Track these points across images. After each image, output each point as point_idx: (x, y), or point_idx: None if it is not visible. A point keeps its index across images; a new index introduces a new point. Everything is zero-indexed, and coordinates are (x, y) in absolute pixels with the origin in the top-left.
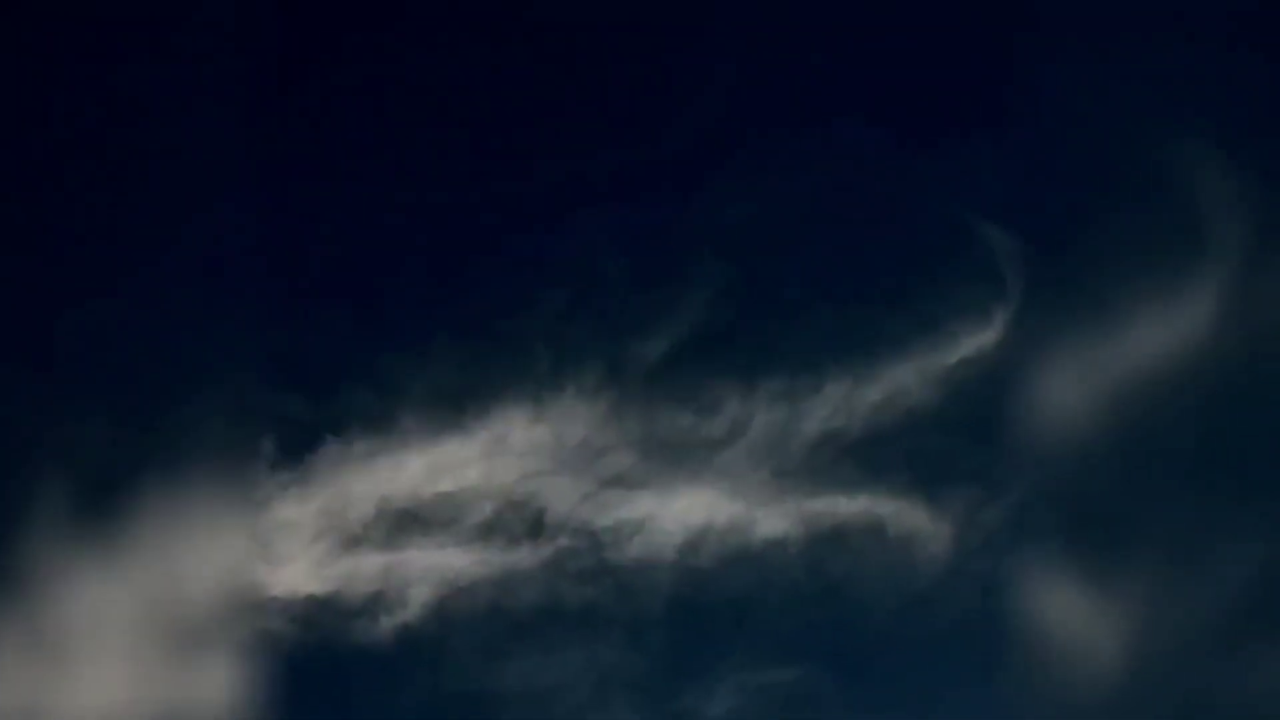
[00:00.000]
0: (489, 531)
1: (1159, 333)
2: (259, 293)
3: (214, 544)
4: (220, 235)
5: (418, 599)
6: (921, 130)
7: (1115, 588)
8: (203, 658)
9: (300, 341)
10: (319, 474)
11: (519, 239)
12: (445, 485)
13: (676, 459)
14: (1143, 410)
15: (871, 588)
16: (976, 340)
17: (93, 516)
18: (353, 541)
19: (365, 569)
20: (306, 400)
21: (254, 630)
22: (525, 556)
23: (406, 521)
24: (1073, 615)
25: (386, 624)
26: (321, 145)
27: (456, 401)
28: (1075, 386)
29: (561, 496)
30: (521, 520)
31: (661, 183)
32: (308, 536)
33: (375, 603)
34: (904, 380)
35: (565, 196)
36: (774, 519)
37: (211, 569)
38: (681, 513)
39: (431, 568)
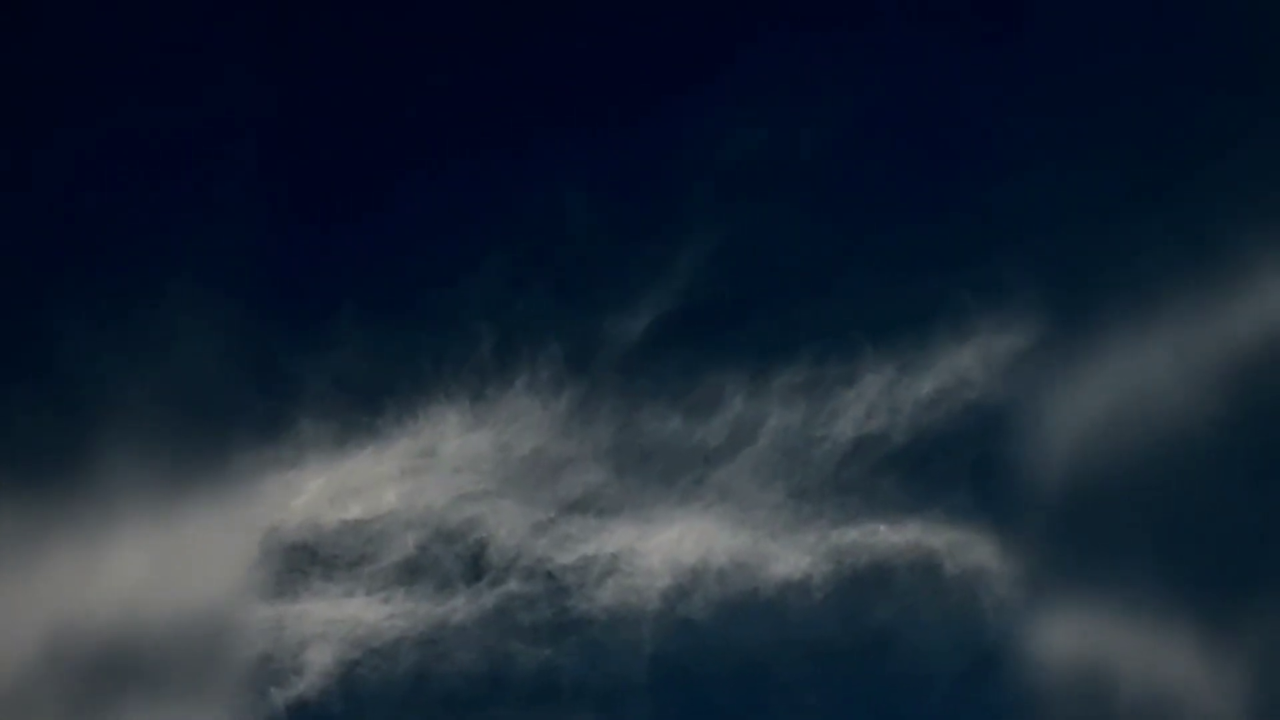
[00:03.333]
0: (412, 573)
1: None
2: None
3: (36, 586)
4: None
5: (317, 664)
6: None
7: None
8: None
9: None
10: (184, 497)
11: (451, 176)
12: (353, 511)
13: (662, 475)
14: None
15: (925, 645)
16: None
17: None
18: (231, 588)
19: (247, 624)
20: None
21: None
22: (461, 606)
23: (301, 560)
24: (1188, 681)
25: (276, 699)
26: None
27: (368, 399)
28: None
29: (509, 526)
30: (456, 558)
31: (642, 102)
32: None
33: (260, 670)
34: (963, 366)
35: (515, 119)
36: (792, 554)
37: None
38: (669, 547)
39: (335, 622)
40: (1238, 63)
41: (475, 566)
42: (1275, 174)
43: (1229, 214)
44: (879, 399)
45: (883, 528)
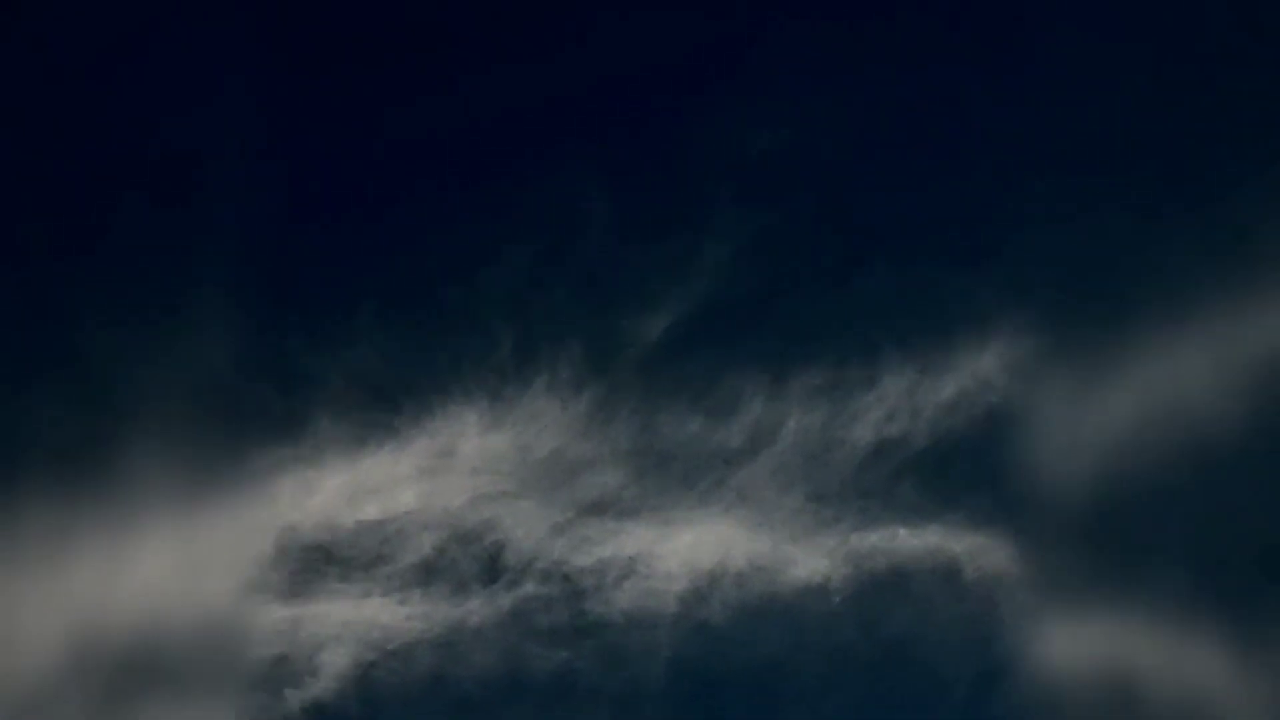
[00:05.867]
0: (429, 574)
1: None
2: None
3: (60, 587)
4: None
5: (333, 666)
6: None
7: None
8: None
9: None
10: (201, 496)
11: (471, 174)
12: (370, 512)
13: (681, 477)
14: None
15: (943, 651)
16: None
17: None
18: (246, 588)
19: (263, 625)
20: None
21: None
22: (478, 608)
23: (318, 561)
24: (1212, 688)
25: (291, 700)
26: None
27: (387, 398)
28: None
29: (526, 528)
30: (473, 559)
31: (663, 101)
32: None
33: (276, 671)
34: (985, 369)
35: (536, 117)
36: (811, 558)
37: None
38: (687, 550)
39: (351, 623)
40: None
41: (492, 568)
42: None
43: (1262, 215)
44: (900, 402)
45: (902, 532)
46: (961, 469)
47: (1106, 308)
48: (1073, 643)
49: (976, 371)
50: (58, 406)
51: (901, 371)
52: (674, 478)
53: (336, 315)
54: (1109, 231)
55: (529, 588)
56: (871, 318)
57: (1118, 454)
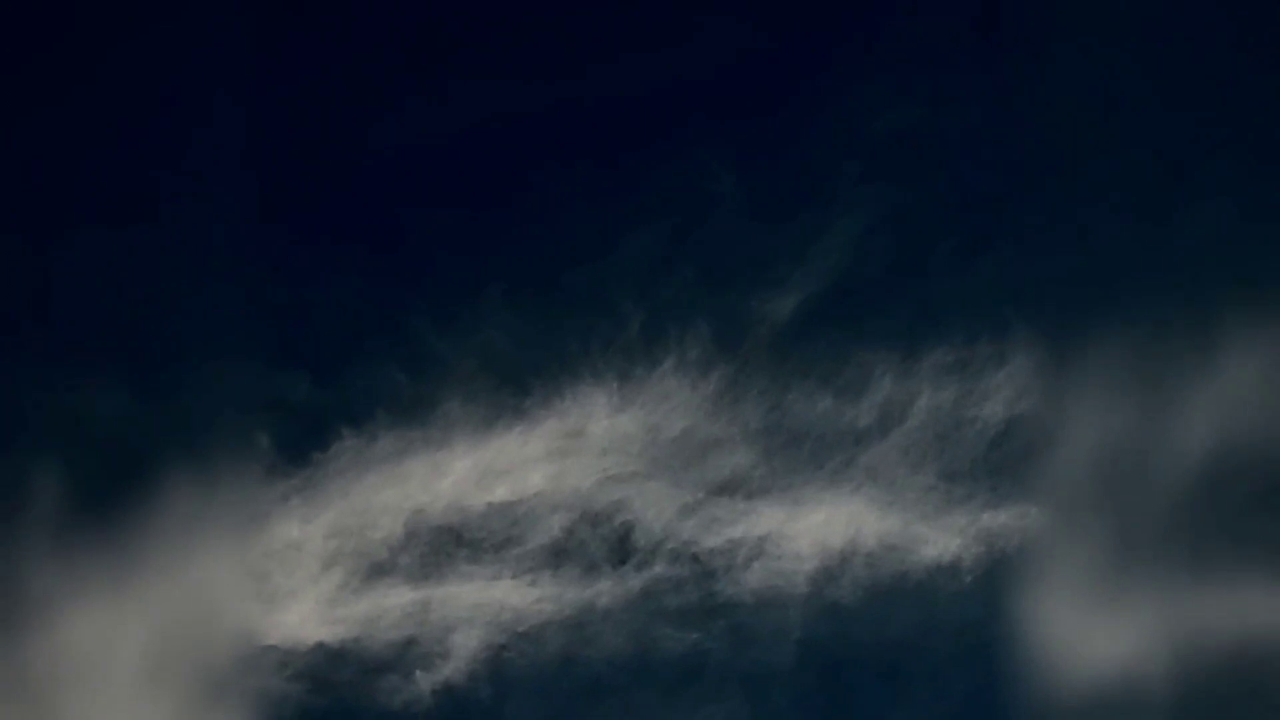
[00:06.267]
0: (558, 556)
1: None
2: (247, 234)
3: (191, 576)
4: (202, 146)
5: (463, 648)
6: None
7: None
8: None
9: (303, 301)
10: (330, 480)
11: (597, 156)
12: (499, 494)
13: (811, 457)
14: None
15: None
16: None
17: None
18: (376, 571)
19: (392, 608)
20: (313, 380)
21: (244, 691)
22: (607, 590)
23: (447, 543)
24: None
25: (422, 683)
26: (323, 42)
27: (515, 380)
28: None
29: (656, 509)
30: (602, 540)
31: (791, 79)
32: (316, 565)
33: (406, 654)
34: None
35: (662, 97)
36: (942, 537)
37: (189, 609)
38: (817, 529)
39: (481, 606)
40: None
41: (622, 549)
42: None
43: None
44: (1030, 379)
45: (1034, 510)
46: None
47: (1235, 290)
48: (1203, 613)
49: None
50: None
51: (1033, 347)
52: (804, 457)
53: (464, 298)
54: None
55: (658, 569)
56: (1001, 295)
57: (1235, 436)
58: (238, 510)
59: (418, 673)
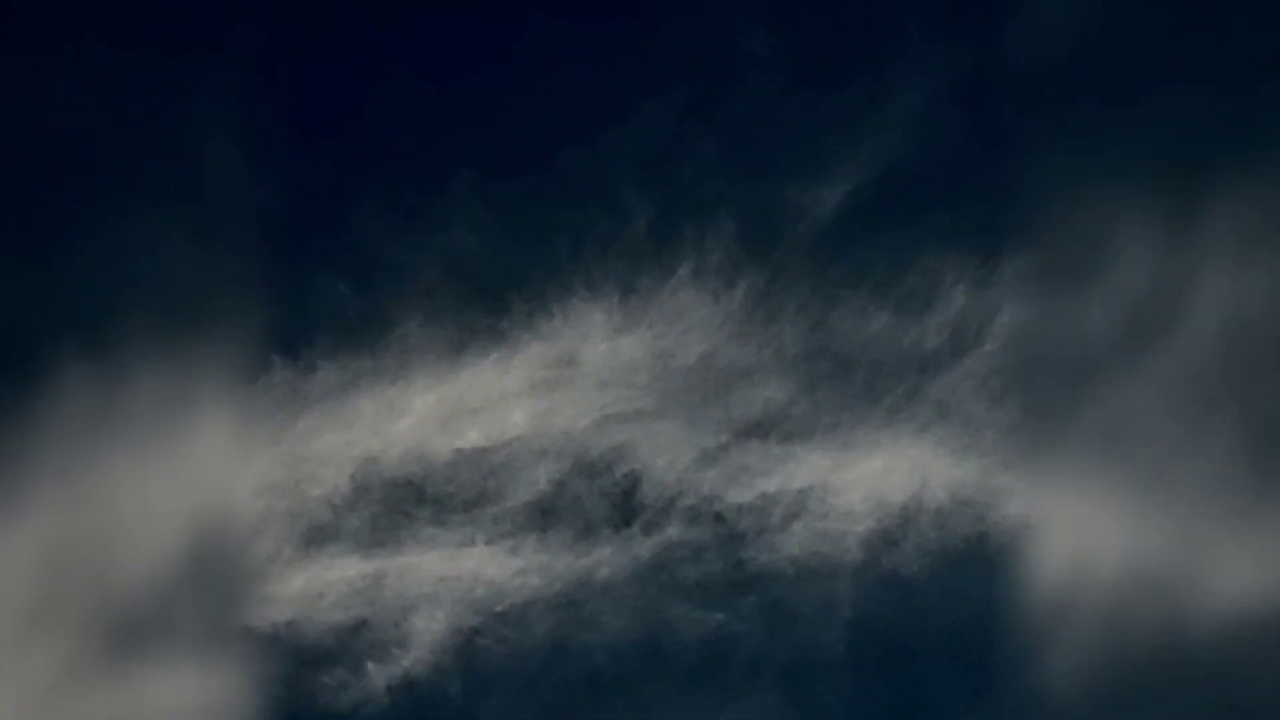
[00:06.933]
0: (545, 517)
1: None
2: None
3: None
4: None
5: (426, 633)
6: None
7: None
8: None
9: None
10: (255, 421)
11: (595, 5)
12: (471, 438)
13: (864, 389)
14: None
15: None
16: None
17: None
18: (315, 536)
19: (336, 582)
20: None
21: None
22: (608, 559)
23: (405, 501)
24: None
25: (375, 677)
26: None
27: (490, 293)
28: None
29: (668, 455)
30: (601, 496)
31: None
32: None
33: (354, 641)
34: None
35: None
36: (1030, 490)
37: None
38: (872, 480)
39: (448, 580)
40: None
41: (626, 508)
42: None
43: None
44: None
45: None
46: None
47: None
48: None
49: None
50: None
51: (1143, 250)
52: (854, 390)
53: (425, 187)
54: None
55: (672, 532)
56: (1103, 179)
57: None
58: None
59: (369, 664)
